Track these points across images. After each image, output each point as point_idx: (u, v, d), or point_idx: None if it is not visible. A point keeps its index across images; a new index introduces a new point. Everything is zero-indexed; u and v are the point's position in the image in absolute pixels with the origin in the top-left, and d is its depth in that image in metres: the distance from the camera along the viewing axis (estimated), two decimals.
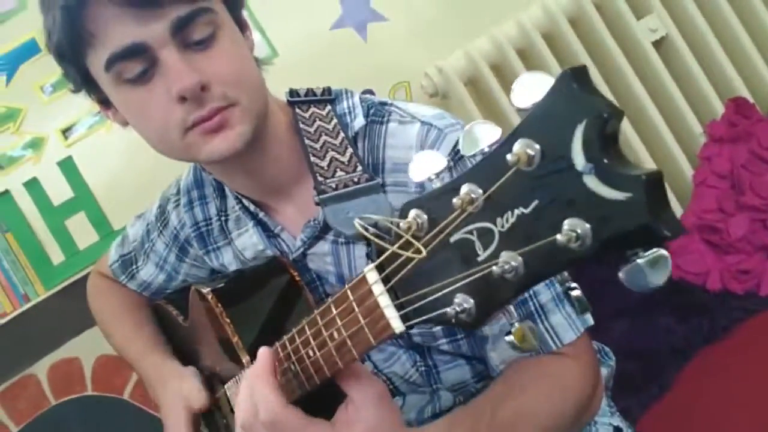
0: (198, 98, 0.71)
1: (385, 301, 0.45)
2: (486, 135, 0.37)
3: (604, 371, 0.97)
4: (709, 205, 1.55)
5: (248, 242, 0.92)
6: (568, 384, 0.76)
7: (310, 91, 0.85)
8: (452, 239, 0.39)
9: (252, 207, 0.89)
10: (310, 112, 0.82)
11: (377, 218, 0.40)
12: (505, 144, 0.35)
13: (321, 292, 0.89)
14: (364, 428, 0.58)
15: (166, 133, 0.74)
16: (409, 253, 0.38)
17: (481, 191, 0.36)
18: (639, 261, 0.33)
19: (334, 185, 0.71)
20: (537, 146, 0.33)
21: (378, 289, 0.45)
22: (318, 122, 0.81)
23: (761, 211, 1.50)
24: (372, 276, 0.45)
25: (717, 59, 1.71)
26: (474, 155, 0.38)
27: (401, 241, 0.39)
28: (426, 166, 0.41)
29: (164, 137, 0.75)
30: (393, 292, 0.45)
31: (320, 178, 0.73)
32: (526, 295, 0.76)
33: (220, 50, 0.72)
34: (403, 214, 0.41)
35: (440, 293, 0.40)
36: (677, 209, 1.64)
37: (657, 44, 1.72)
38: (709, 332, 1.44)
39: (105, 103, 0.80)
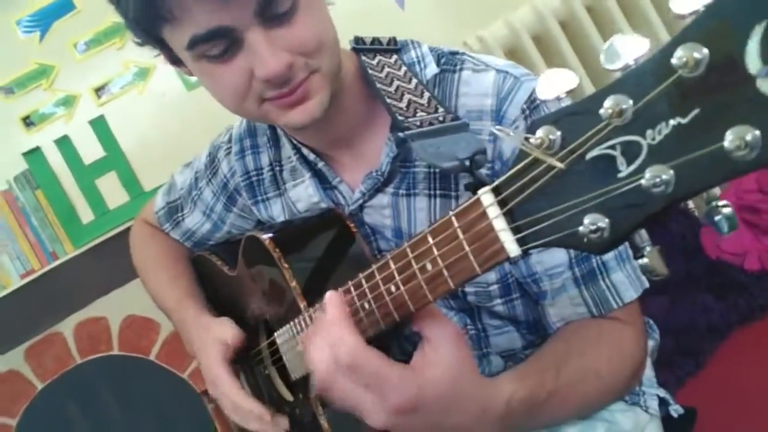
0: (283, 79, 0.69)
1: (500, 225, 0.43)
2: (631, 48, 0.36)
3: (650, 343, 0.97)
4: (750, 185, 1.53)
5: (303, 194, 0.91)
6: (625, 348, 0.76)
7: (375, 40, 0.83)
8: (588, 156, 0.38)
9: (311, 156, 0.88)
10: (377, 59, 0.81)
11: (509, 131, 0.38)
12: (664, 51, 0.34)
13: (375, 247, 0.88)
14: (444, 369, 0.57)
15: (242, 102, 0.73)
16: (551, 161, 0.36)
17: (631, 102, 0.35)
18: None
19: (418, 122, 0.70)
20: (705, 50, 0.32)
21: (494, 212, 0.44)
22: (387, 69, 0.79)
23: None
24: (487, 198, 0.44)
25: None
26: (615, 70, 0.37)
27: (542, 149, 0.37)
28: (557, 84, 0.39)
29: (239, 106, 0.74)
30: (509, 215, 0.43)
31: (401, 118, 0.71)
32: None
33: (303, 18, 0.69)
34: (532, 131, 0.39)
35: (568, 213, 0.39)
36: None
37: None
38: (746, 311, 1.44)
39: (176, 61, 0.77)
